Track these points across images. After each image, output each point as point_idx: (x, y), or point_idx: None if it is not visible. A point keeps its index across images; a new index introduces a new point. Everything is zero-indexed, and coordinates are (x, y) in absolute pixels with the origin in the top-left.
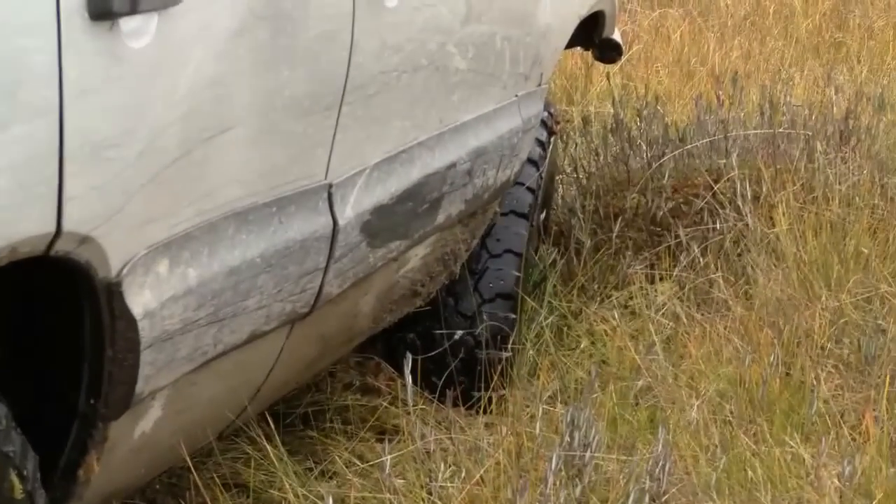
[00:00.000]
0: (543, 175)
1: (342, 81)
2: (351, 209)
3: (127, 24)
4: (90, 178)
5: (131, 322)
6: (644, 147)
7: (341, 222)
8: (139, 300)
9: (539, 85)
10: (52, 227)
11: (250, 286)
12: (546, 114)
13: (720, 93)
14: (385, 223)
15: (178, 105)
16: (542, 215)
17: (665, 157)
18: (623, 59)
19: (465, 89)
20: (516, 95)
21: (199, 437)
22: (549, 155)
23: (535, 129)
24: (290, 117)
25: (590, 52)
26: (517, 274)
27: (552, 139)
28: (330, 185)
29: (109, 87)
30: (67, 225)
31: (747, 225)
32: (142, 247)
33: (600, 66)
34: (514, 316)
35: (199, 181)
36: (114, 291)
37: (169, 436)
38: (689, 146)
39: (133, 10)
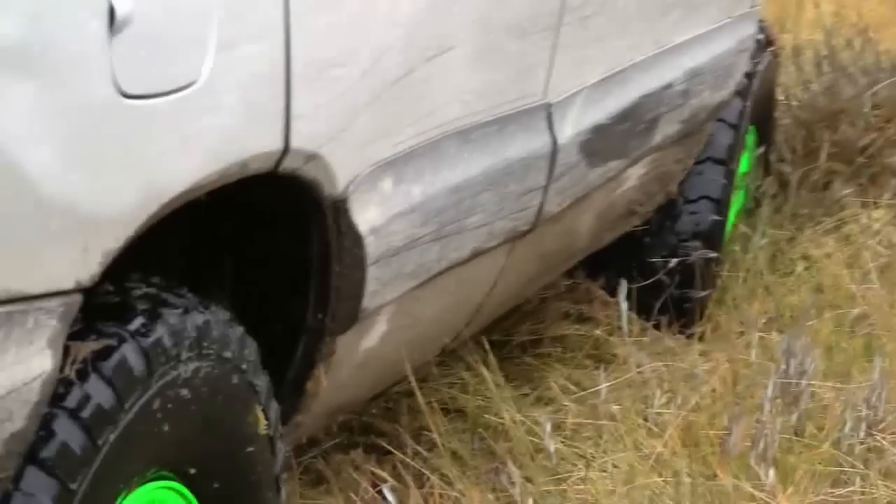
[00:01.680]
0: (748, 105)
1: (560, 1)
2: (570, 128)
3: None
4: (317, 97)
5: (357, 238)
6: (857, 76)
7: (561, 141)
8: (365, 217)
9: (751, 6)
10: (280, 145)
11: (473, 204)
12: (761, 35)
13: None
14: (603, 142)
15: (400, 25)
16: (762, 149)
17: (877, 87)
18: None
19: (681, 10)
20: (730, 16)
21: (422, 355)
22: (761, 78)
23: (749, 49)
24: (510, 37)
25: None
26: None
27: (776, 60)
28: (549, 105)
29: (333, 7)
30: (295, 142)
31: None
32: (367, 164)
33: None
34: (713, 254)
35: (422, 100)
36: (340, 208)
37: (393, 352)
38: None
39: None
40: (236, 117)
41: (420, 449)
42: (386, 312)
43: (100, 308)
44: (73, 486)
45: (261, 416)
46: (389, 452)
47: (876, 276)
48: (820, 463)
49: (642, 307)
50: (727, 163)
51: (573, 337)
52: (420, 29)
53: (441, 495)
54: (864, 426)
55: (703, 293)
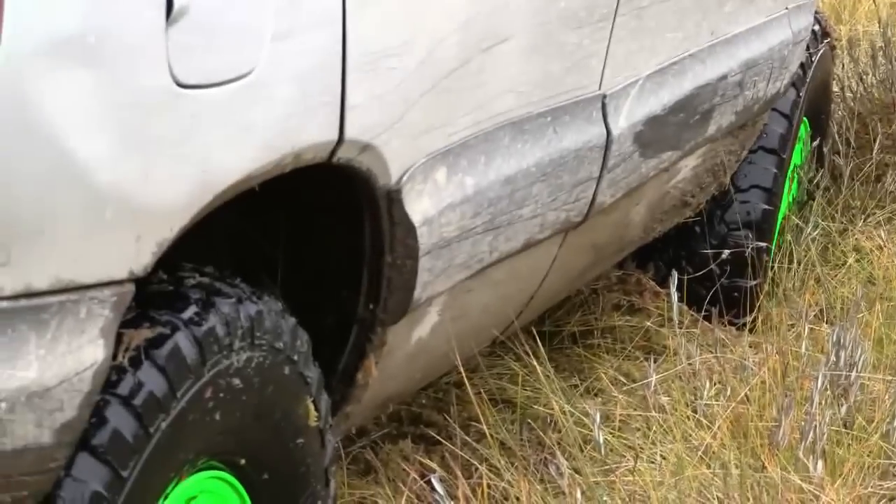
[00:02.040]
0: (802, 96)
1: None
2: (624, 119)
3: None
4: (372, 87)
5: (410, 229)
6: None
7: (615, 132)
8: (418, 207)
9: None
10: (334, 135)
11: (526, 195)
12: (817, 26)
13: None
14: (657, 134)
15: (456, 15)
16: (817, 142)
17: None
18: None
19: (736, 1)
20: (787, 7)
21: (473, 346)
22: (815, 70)
23: (805, 41)
24: (565, 28)
25: None
26: (767, 206)
27: (833, 52)
28: (604, 96)
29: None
30: (350, 132)
31: None
32: (421, 155)
33: None
34: (763, 244)
35: (476, 91)
36: (393, 198)
37: (444, 343)
38: None
39: None
40: (291, 107)
41: (469, 439)
42: (437, 303)
43: (153, 297)
44: (125, 474)
45: (311, 407)
46: (438, 443)
47: None
48: (869, 455)
49: (693, 298)
50: (779, 152)
51: (623, 328)
52: (476, 19)
53: (489, 486)
54: None
55: (754, 284)
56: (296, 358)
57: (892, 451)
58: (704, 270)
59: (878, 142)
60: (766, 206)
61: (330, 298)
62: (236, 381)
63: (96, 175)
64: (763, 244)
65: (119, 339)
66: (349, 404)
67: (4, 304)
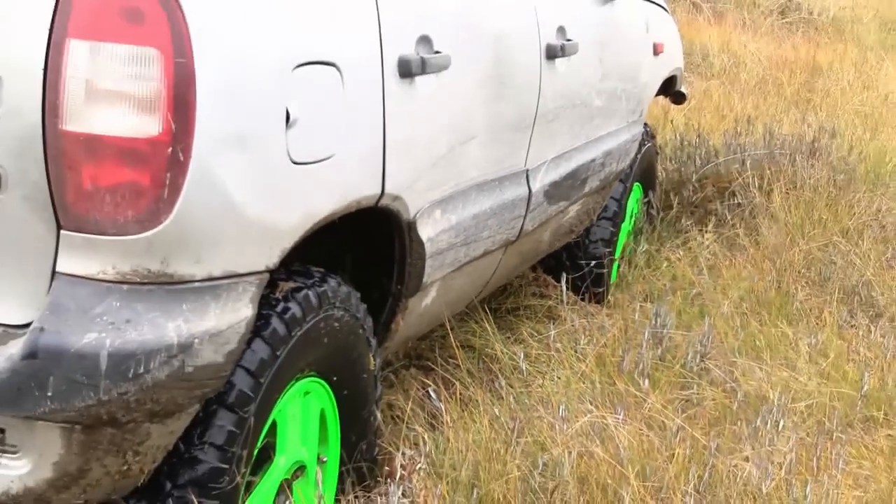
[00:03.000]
0: (634, 172)
1: (534, 113)
2: (538, 183)
3: (419, 79)
4: (399, 164)
5: (421, 243)
6: (695, 159)
7: (533, 190)
8: (425, 231)
9: (640, 116)
10: (378, 190)
11: (484, 225)
12: (645, 131)
13: (739, 128)
14: (557, 191)
15: (446, 124)
16: (648, 198)
17: (708, 165)
18: (686, 105)
19: (600, 118)
20: (627, 122)
21: (454, 310)
22: (643, 156)
23: (637, 140)
24: (506, 131)
25: (668, 98)
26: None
27: (654, 144)
28: (528, 170)
29: (409, 116)
30: (388, 189)
31: (757, 202)
32: (426, 202)
33: (672, 111)
34: (611, 256)
35: (456, 167)
36: (412, 227)
37: (438, 307)
38: (721, 159)
39: (422, 72)
40: (355, 176)
41: (449, 368)
42: (435, 285)
43: (292, 273)
44: (262, 380)
45: (372, 359)
46: (432, 370)
47: (706, 271)
48: (674, 377)
49: (574, 288)
50: (619, 200)
51: (536, 306)
52: (456, 125)
53: (461, 394)
54: (698, 356)
55: (609, 281)
56: (364, 322)
57: (686, 374)
58: (580, 273)
59: (675, 201)
60: (612, 229)
61: (376, 283)
62: (334, 324)
63: (246, 211)
64: (611, 257)
65: (275, 285)
66: (387, 342)
67: (197, 284)
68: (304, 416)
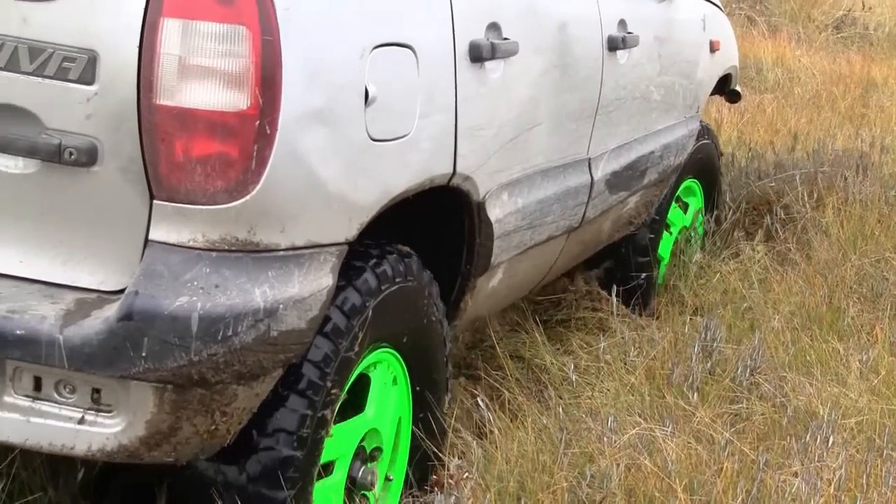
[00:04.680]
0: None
1: (596, 103)
2: (600, 172)
3: (489, 64)
4: (470, 146)
5: (489, 224)
6: (750, 173)
7: (595, 178)
8: (493, 213)
9: (696, 112)
10: (450, 170)
11: (549, 210)
12: (702, 127)
13: (791, 142)
14: (617, 181)
15: (513, 110)
16: (713, 214)
17: (763, 180)
18: (740, 119)
19: (658, 112)
20: (685, 116)
21: (518, 293)
22: (695, 153)
23: (694, 136)
24: (570, 120)
25: (723, 96)
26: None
27: (714, 141)
28: (590, 159)
29: (479, 99)
30: (459, 169)
31: (809, 217)
32: (494, 184)
33: (725, 124)
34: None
35: (523, 152)
36: (481, 207)
37: (504, 289)
38: (774, 174)
39: (492, 57)
40: (428, 155)
41: (498, 377)
42: (501, 267)
43: (372, 246)
44: (340, 347)
45: (440, 327)
46: (480, 378)
47: (757, 285)
48: (723, 391)
49: (626, 301)
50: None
51: (587, 317)
52: (523, 112)
53: (510, 402)
54: (748, 371)
55: (657, 294)
56: (435, 299)
57: (736, 388)
58: (631, 284)
59: (731, 212)
60: (651, 236)
61: (447, 262)
62: (407, 294)
63: (328, 184)
64: (652, 270)
65: (355, 256)
66: (456, 320)
67: (281, 253)
68: (381, 383)
